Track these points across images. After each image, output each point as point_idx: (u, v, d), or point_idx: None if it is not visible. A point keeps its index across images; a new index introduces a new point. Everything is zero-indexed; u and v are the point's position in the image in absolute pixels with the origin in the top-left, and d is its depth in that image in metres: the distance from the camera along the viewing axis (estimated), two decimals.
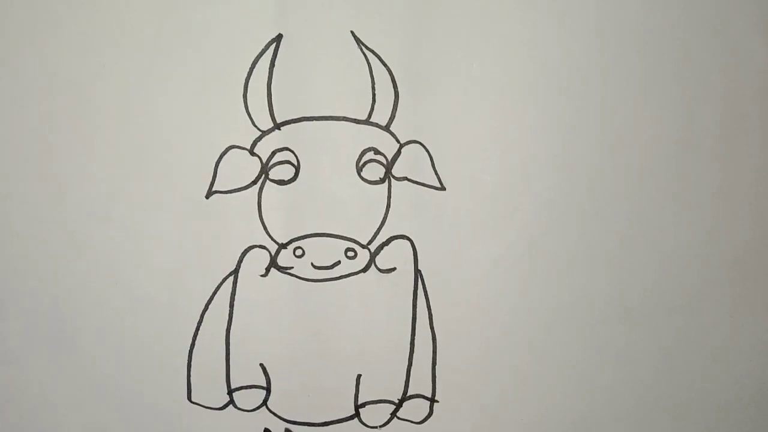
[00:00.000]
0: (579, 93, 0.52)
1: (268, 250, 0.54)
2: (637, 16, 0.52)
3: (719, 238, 0.54)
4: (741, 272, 0.54)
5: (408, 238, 0.54)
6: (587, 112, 0.52)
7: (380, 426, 0.55)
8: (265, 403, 0.55)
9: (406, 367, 0.55)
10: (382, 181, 0.53)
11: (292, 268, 0.54)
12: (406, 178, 0.53)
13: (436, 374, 0.55)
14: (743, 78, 0.52)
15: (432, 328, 0.54)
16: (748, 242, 0.54)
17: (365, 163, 0.53)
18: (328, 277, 0.54)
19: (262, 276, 0.54)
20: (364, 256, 0.53)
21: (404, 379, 0.55)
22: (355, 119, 0.53)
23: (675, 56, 0.52)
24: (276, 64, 0.52)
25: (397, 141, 0.53)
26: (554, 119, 0.52)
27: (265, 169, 0.53)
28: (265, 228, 0.53)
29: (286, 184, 0.53)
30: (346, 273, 0.53)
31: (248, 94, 0.52)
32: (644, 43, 0.52)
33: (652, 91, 0.52)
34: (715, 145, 0.53)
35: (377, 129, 0.53)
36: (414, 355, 0.54)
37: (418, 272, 0.54)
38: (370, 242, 0.53)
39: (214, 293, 0.54)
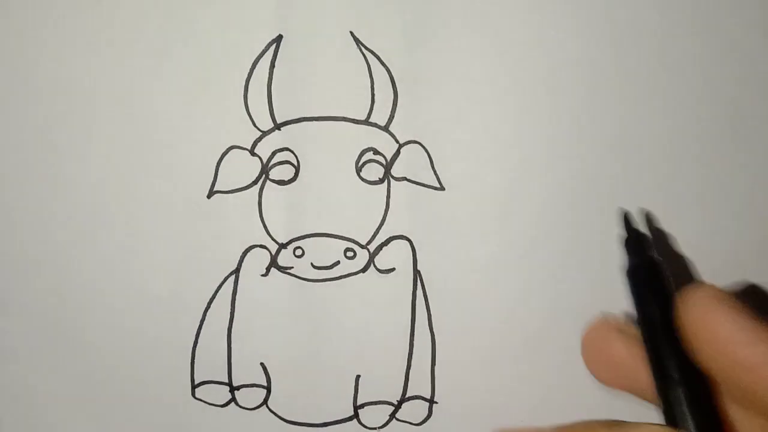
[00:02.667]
0: (579, 93, 0.51)
1: (268, 249, 0.54)
2: (637, 16, 0.51)
3: (720, 238, 0.52)
4: (742, 272, 0.53)
5: (407, 239, 0.53)
6: (588, 112, 0.52)
7: (379, 427, 0.55)
8: (265, 402, 0.56)
9: (405, 368, 0.54)
10: (381, 181, 0.53)
11: (292, 268, 0.54)
12: (405, 178, 0.53)
13: (436, 375, 0.54)
14: (747, 78, 0.51)
15: (431, 328, 0.54)
16: (748, 243, 0.52)
17: (364, 163, 0.53)
18: (328, 277, 0.54)
19: (262, 275, 0.54)
20: (363, 256, 0.53)
21: (403, 380, 0.54)
22: (355, 119, 0.53)
23: (675, 56, 0.51)
24: (276, 64, 0.52)
25: (396, 141, 0.53)
26: (554, 119, 0.52)
27: (265, 169, 0.53)
28: (265, 228, 0.54)
29: (286, 184, 0.53)
30: (346, 273, 0.53)
31: (248, 95, 0.52)
32: (644, 42, 0.51)
33: (653, 91, 0.51)
34: (716, 146, 0.52)
35: (376, 129, 0.53)
36: (413, 356, 0.54)
37: (417, 273, 0.54)
38: (369, 242, 0.53)
39: (216, 292, 0.54)
